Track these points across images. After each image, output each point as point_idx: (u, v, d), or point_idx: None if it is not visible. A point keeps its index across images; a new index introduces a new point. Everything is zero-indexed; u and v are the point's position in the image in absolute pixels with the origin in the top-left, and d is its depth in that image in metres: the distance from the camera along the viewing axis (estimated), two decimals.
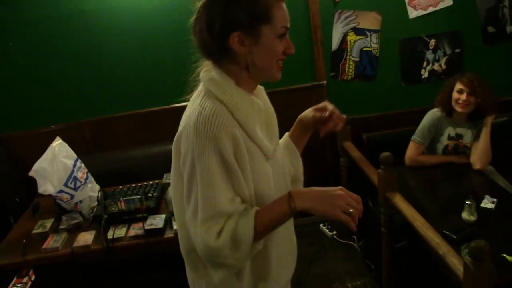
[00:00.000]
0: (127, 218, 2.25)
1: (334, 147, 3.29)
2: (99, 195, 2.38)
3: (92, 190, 2.49)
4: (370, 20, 3.18)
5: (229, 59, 1.19)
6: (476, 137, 2.75)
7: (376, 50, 3.25)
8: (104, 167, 2.86)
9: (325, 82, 3.26)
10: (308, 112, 1.46)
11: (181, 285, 1.37)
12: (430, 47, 3.26)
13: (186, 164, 1.14)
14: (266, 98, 1.39)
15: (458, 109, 2.70)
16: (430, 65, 3.31)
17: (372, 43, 3.22)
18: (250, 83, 1.25)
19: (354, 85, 3.32)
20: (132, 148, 3.13)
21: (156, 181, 2.52)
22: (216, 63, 1.22)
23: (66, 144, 2.49)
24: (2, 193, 3.03)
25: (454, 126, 2.78)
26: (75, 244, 2.15)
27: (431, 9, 3.16)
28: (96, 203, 2.40)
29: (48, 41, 3.00)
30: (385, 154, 2.32)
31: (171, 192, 1.30)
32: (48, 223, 2.33)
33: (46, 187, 2.32)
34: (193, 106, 1.19)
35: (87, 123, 3.18)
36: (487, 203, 2.29)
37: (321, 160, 3.39)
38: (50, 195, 2.36)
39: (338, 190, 1.17)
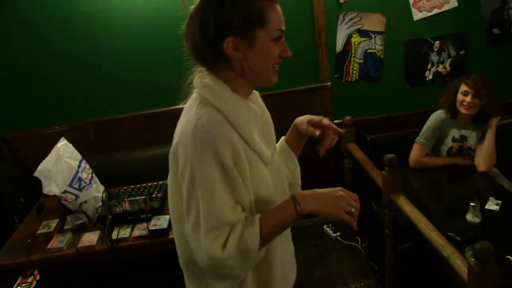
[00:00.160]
0: (132, 218, 2.25)
1: (338, 149, 3.29)
2: (104, 196, 2.39)
3: (96, 190, 2.49)
4: (374, 22, 3.18)
5: (223, 64, 1.16)
6: (480, 139, 2.75)
7: (381, 52, 3.24)
8: (107, 167, 2.87)
9: (329, 83, 3.26)
10: (303, 122, 1.41)
11: (185, 286, 1.37)
12: (435, 49, 3.26)
13: (185, 175, 1.11)
14: (262, 102, 1.37)
15: (463, 111, 2.69)
16: (435, 67, 3.30)
17: (377, 44, 3.22)
18: (245, 89, 1.23)
19: (358, 87, 3.32)
20: (135, 149, 3.13)
21: (161, 182, 2.53)
22: (210, 69, 1.19)
23: (71, 145, 2.50)
24: (7, 194, 3.04)
25: (459, 128, 2.78)
26: (80, 244, 2.16)
27: (435, 11, 3.16)
28: (100, 204, 2.41)
29: (51, 42, 3.02)
30: (389, 156, 2.32)
31: (168, 204, 1.27)
32: (53, 224, 2.34)
33: (51, 188, 2.33)
34: (189, 115, 1.16)
35: (90, 124, 3.19)
36: (492, 205, 2.29)
37: (325, 161, 3.39)
38: (55, 196, 2.37)
39: (339, 191, 1.18)
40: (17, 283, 2.85)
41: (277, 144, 1.45)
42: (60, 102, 3.15)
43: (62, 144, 2.47)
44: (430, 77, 3.32)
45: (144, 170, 2.88)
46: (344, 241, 3.18)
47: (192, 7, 1.16)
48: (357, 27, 3.18)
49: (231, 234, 1.10)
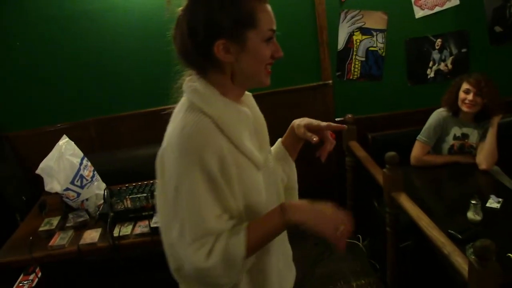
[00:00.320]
0: (133, 216, 2.26)
1: (340, 147, 3.29)
2: (105, 193, 2.39)
3: (98, 188, 2.50)
4: (376, 19, 3.17)
5: (213, 68, 1.13)
6: (482, 137, 2.74)
7: (382, 50, 3.24)
8: (109, 165, 2.87)
9: (331, 81, 3.26)
10: (300, 126, 1.36)
11: None
12: (436, 47, 3.25)
13: (171, 183, 1.09)
14: (254, 104, 1.33)
15: (465, 109, 2.69)
16: (436, 65, 3.30)
17: (378, 42, 3.22)
18: (236, 91, 1.20)
19: (360, 85, 3.32)
20: (136, 147, 3.14)
21: None
22: (200, 73, 1.16)
23: (73, 142, 2.50)
24: (9, 192, 3.05)
25: (460, 126, 2.78)
26: (82, 241, 2.16)
27: (437, 9, 3.16)
28: (102, 201, 2.42)
29: (53, 41, 3.02)
30: (391, 153, 2.32)
31: (157, 210, 1.25)
32: (55, 221, 2.35)
33: (53, 185, 2.33)
34: (176, 120, 1.14)
35: (92, 122, 3.20)
36: (493, 202, 2.29)
37: (326, 159, 3.39)
38: (56, 193, 2.37)
39: (330, 207, 1.15)
40: (18, 280, 2.87)
41: (273, 146, 1.44)
42: (62, 100, 3.16)
43: (64, 141, 2.47)
44: (432, 75, 3.32)
45: (146, 168, 2.85)
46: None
47: (180, 9, 1.13)
48: (359, 25, 3.18)
49: (216, 243, 1.08)
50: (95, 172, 2.55)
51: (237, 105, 1.17)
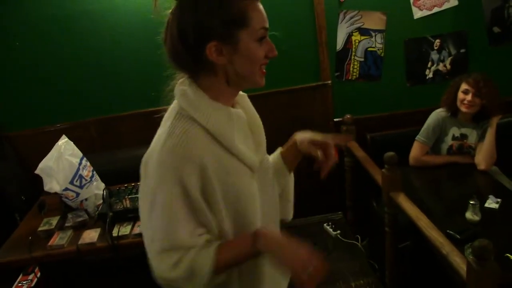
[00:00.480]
0: (132, 216, 2.26)
1: (339, 147, 3.29)
2: (105, 193, 2.40)
3: (97, 188, 2.50)
4: (375, 20, 3.18)
5: (206, 70, 1.11)
6: (481, 138, 2.75)
7: (381, 50, 3.25)
8: (109, 165, 2.88)
9: (329, 82, 3.27)
10: (304, 142, 1.33)
11: None
12: (435, 47, 3.26)
13: (148, 191, 1.10)
14: (250, 105, 1.30)
15: (463, 109, 2.70)
16: (435, 65, 3.30)
17: (377, 43, 3.22)
18: (229, 94, 1.18)
19: (359, 85, 3.33)
20: (136, 147, 3.13)
21: None
22: (191, 76, 1.14)
23: (72, 143, 2.51)
24: (8, 191, 3.05)
25: (459, 126, 2.78)
26: (81, 241, 2.17)
27: (436, 9, 3.16)
28: (101, 201, 2.42)
29: (53, 41, 3.02)
30: (389, 154, 2.33)
31: (140, 212, 1.22)
32: (54, 221, 2.35)
33: (52, 185, 2.34)
34: (165, 127, 1.12)
35: (92, 122, 3.20)
36: (491, 203, 2.30)
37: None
38: (56, 193, 2.38)
39: (304, 247, 1.11)
40: (18, 280, 2.87)
41: (272, 155, 1.41)
42: (62, 100, 3.16)
43: (63, 141, 2.47)
44: (431, 75, 3.32)
45: None
46: (344, 240, 3.18)
47: (169, 11, 1.11)
48: (358, 25, 3.18)
49: (184, 257, 1.08)
50: (94, 172, 2.55)
51: (228, 108, 1.15)
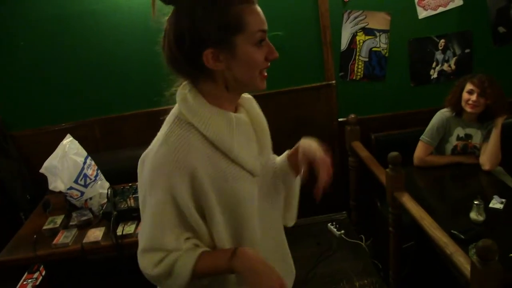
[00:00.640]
0: (136, 215, 2.26)
1: (343, 147, 3.30)
2: (109, 192, 2.40)
3: (101, 187, 2.51)
4: (379, 20, 3.17)
5: (204, 76, 1.11)
6: (485, 138, 2.74)
7: (385, 50, 3.24)
8: (113, 164, 2.88)
9: (334, 82, 3.26)
10: (301, 152, 1.28)
11: None
12: (440, 48, 3.25)
13: (141, 191, 1.15)
14: (255, 107, 1.28)
15: (468, 109, 2.69)
16: (440, 65, 3.30)
17: (381, 43, 3.22)
18: (230, 99, 1.17)
19: (363, 85, 3.32)
20: (140, 146, 3.13)
21: None
22: (191, 82, 1.14)
23: (77, 142, 2.52)
24: (13, 191, 3.07)
25: (463, 127, 2.78)
26: (85, 240, 2.18)
27: (440, 9, 3.15)
28: (105, 200, 2.43)
29: (57, 41, 3.03)
30: (393, 153, 2.33)
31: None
32: (59, 220, 2.36)
33: (57, 184, 2.35)
34: (164, 130, 1.14)
35: (96, 121, 3.21)
36: (496, 203, 2.29)
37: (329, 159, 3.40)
38: (60, 192, 2.39)
39: (276, 276, 1.12)
40: (23, 278, 2.88)
41: (279, 157, 1.41)
42: (66, 100, 3.16)
43: (68, 141, 2.48)
44: (435, 75, 3.32)
45: None
46: (348, 239, 3.18)
47: (166, 18, 1.11)
48: (362, 25, 3.18)
49: (167, 257, 1.11)
50: (99, 171, 2.56)
51: (228, 113, 1.14)
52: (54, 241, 2.19)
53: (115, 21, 3.02)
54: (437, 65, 3.29)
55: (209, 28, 1.03)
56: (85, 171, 2.41)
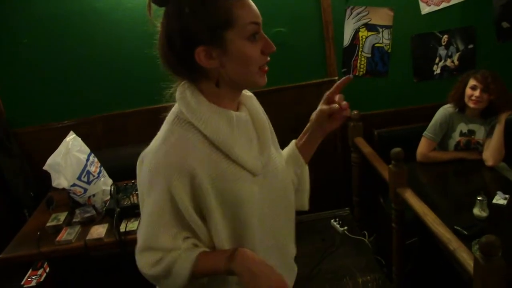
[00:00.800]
0: (139, 211, 2.26)
1: (345, 143, 3.30)
2: (112, 189, 2.41)
3: (105, 184, 2.52)
4: (382, 16, 3.16)
5: (200, 75, 1.09)
6: (489, 134, 2.74)
7: (388, 46, 3.23)
8: (116, 161, 2.88)
9: (336, 78, 3.26)
10: (318, 111, 1.31)
11: None
12: (443, 43, 3.24)
13: (140, 190, 1.14)
14: (256, 105, 1.26)
15: (471, 105, 2.68)
16: (443, 61, 3.29)
17: (384, 39, 3.21)
18: (230, 97, 1.14)
19: (366, 81, 3.32)
20: (143, 143, 3.13)
21: None
22: (189, 81, 1.12)
23: (80, 139, 2.52)
24: (17, 188, 3.08)
25: (467, 122, 2.77)
26: (88, 237, 2.18)
27: (444, 5, 3.14)
28: (109, 197, 2.44)
29: (60, 38, 3.03)
30: (396, 149, 2.32)
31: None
32: (62, 216, 2.37)
33: (60, 181, 2.35)
34: (162, 130, 1.13)
35: (98, 118, 3.21)
36: (499, 199, 2.29)
37: (332, 155, 3.40)
38: (63, 189, 2.39)
39: (279, 279, 1.10)
40: (27, 275, 2.89)
41: (286, 148, 1.40)
42: (69, 97, 3.17)
43: (71, 138, 2.49)
44: (438, 71, 3.31)
45: None
46: (351, 235, 3.19)
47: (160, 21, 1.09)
48: (365, 21, 3.17)
49: (165, 257, 1.11)
50: (102, 168, 2.56)
51: (228, 112, 1.12)
52: (58, 238, 2.19)
53: (118, 19, 3.02)
54: (440, 60, 3.28)
55: (198, 25, 1.02)
56: (88, 168, 2.42)
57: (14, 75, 3.10)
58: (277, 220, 1.30)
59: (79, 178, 2.37)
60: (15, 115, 3.18)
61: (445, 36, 3.22)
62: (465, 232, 1.99)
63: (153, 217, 1.09)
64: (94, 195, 2.45)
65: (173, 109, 1.16)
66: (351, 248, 3.07)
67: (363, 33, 3.19)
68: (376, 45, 3.23)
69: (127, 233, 2.15)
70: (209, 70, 1.07)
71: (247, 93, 1.25)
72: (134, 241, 2.11)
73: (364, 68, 3.27)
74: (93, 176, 2.44)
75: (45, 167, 2.36)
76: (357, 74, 3.29)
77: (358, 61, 3.26)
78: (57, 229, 2.28)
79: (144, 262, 1.12)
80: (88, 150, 2.51)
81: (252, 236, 1.18)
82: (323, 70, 3.25)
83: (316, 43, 3.19)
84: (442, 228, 1.93)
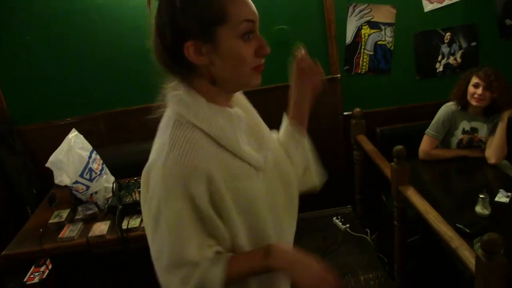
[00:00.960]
0: (141, 209, 2.27)
1: (348, 141, 3.29)
2: (114, 186, 2.41)
3: (107, 181, 2.52)
4: (384, 13, 3.16)
5: (192, 73, 1.05)
6: (491, 132, 2.73)
7: (391, 44, 3.23)
8: (118, 159, 2.89)
9: (339, 75, 3.26)
10: (293, 80, 1.31)
11: None
12: (445, 41, 3.23)
13: (152, 204, 1.03)
14: (246, 102, 1.23)
15: (474, 103, 2.68)
16: (445, 58, 3.28)
17: (387, 36, 3.20)
18: (223, 96, 1.11)
19: (368, 79, 3.31)
20: (145, 141, 3.14)
21: None
22: (182, 80, 1.08)
23: (82, 136, 2.53)
24: (20, 185, 3.09)
25: (469, 120, 2.77)
26: (91, 234, 2.19)
27: (446, 2, 3.13)
28: (111, 194, 2.44)
29: (62, 35, 3.04)
30: (398, 147, 2.32)
31: (144, 223, 1.16)
32: (64, 214, 2.38)
33: (62, 178, 2.36)
34: (163, 137, 1.06)
35: (101, 116, 3.22)
36: (502, 197, 2.28)
37: (334, 153, 3.39)
38: (66, 186, 2.40)
39: (318, 264, 1.08)
40: (30, 272, 2.90)
41: (281, 129, 1.37)
42: (71, 95, 3.17)
43: (73, 135, 2.49)
44: (441, 69, 3.30)
45: None
46: (354, 233, 3.19)
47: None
48: (367, 19, 3.16)
49: (194, 272, 1.03)
50: (104, 165, 2.57)
51: (227, 109, 1.10)
52: (60, 235, 2.20)
53: (120, 16, 3.02)
54: (442, 58, 3.27)
55: (189, 18, 0.98)
56: (90, 165, 2.42)
57: (17, 72, 3.11)
58: (281, 216, 1.29)
59: (81, 175, 2.37)
60: (18, 112, 3.18)
61: (448, 33, 3.21)
62: (467, 230, 1.99)
63: (175, 230, 1.02)
64: (96, 192, 2.46)
65: (167, 113, 1.12)
66: (353, 246, 3.07)
67: (365, 30, 3.19)
68: (379, 42, 3.22)
69: (129, 230, 2.16)
70: (199, 67, 1.04)
71: None
72: (136, 238, 2.13)
73: (367, 65, 3.27)
74: (95, 173, 2.44)
75: (47, 164, 2.37)
76: (359, 71, 3.28)
77: (361, 58, 3.25)
78: (60, 226, 2.29)
79: (174, 280, 1.04)
80: (90, 147, 2.52)
81: (268, 231, 1.16)
82: (325, 67, 3.24)
83: (319, 41, 3.19)
84: (444, 226, 1.93)
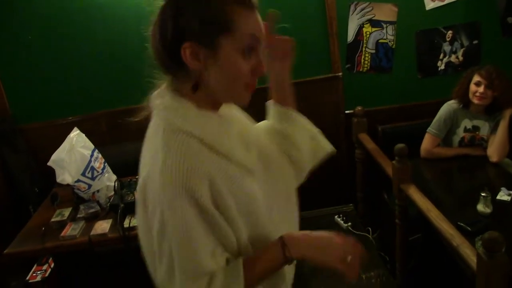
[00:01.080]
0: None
1: (349, 139, 3.29)
2: (116, 185, 2.42)
3: (109, 180, 2.53)
4: (386, 11, 3.15)
5: (184, 74, 1.02)
6: (493, 130, 2.73)
7: (392, 42, 3.22)
8: (120, 157, 2.89)
9: (340, 74, 3.25)
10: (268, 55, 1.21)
11: None
12: (447, 39, 3.23)
13: (155, 219, 0.98)
14: (233, 106, 1.20)
15: (475, 101, 2.67)
16: (447, 57, 3.27)
17: (388, 35, 3.20)
18: (211, 102, 1.06)
19: (370, 77, 3.31)
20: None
21: None
22: (173, 82, 1.06)
23: (84, 135, 2.53)
24: (22, 184, 3.10)
25: (471, 118, 2.76)
26: (93, 232, 2.19)
27: (448, 0, 3.12)
28: (113, 193, 2.44)
29: (64, 34, 3.04)
30: (400, 145, 2.32)
31: (140, 243, 1.11)
32: (66, 212, 2.38)
33: (64, 177, 2.36)
34: (154, 146, 1.02)
35: (103, 114, 3.22)
36: (503, 195, 2.28)
37: (336, 152, 3.39)
38: (68, 185, 2.41)
39: (335, 237, 1.07)
40: (32, 270, 2.91)
41: (269, 117, 1.33)
42: (73, 94, 3.18)
43: (75, 134, 2.50)
44: (442, 67, 3.29)
45: None
46: (355, 232, 3.19)
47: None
48: (369, 17, 3.16)
49: (212, 282, 0.99)
50: (106, 164, 2.57)
51: (216, 114, 1.07)
52: (62, 234, 2.20)
53: (122, 14, 3.02)
54: (444, 56, 3.27)
55: (192, 19, 0.95)
56: (92, 164, 2.43)
57: (19, 71, 3.11)
58: (280, 212, 1.28)
59: (83, 174, 2.38)
60: (21, 111, 3.19)
61: (450, 31, 3.21)
62: (469, 228, 1.98)
63: (185, 241, 0.96)
64: (98, 191, 2.46)
65: (153, 122, 1.09)
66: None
67: (367, 29, 3.19)
68: (380, 41, 3.22)
69: (131, 228, 2.16)
70: (192, 72, 1.00)
71: None
72: (137, 237, 2.13)
73: (368, 64, 3.27)
74: (97, 172, 2.45)
75: (49, 163, 2.37)
76: (361, 70, 3.28)
77: (362, 57, 3.25)
78: (62, 225, 2.29)
79: None
80: (92, 146, 2.52)
81: (269, 228, 1.14)
82: (327, 66, 3.24)
83: (320, 39, 3.19)
84: (446, 224, 1.93)
